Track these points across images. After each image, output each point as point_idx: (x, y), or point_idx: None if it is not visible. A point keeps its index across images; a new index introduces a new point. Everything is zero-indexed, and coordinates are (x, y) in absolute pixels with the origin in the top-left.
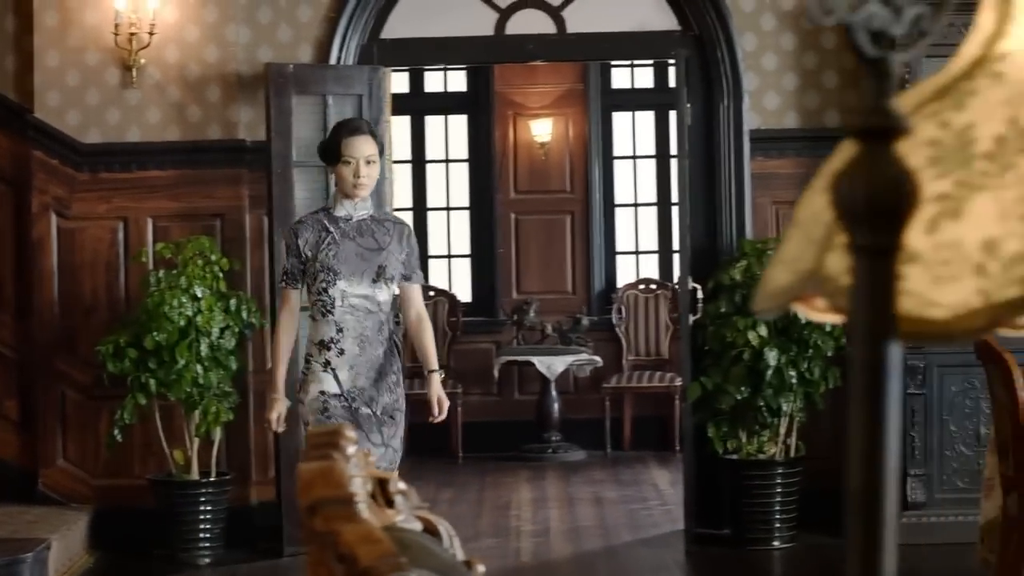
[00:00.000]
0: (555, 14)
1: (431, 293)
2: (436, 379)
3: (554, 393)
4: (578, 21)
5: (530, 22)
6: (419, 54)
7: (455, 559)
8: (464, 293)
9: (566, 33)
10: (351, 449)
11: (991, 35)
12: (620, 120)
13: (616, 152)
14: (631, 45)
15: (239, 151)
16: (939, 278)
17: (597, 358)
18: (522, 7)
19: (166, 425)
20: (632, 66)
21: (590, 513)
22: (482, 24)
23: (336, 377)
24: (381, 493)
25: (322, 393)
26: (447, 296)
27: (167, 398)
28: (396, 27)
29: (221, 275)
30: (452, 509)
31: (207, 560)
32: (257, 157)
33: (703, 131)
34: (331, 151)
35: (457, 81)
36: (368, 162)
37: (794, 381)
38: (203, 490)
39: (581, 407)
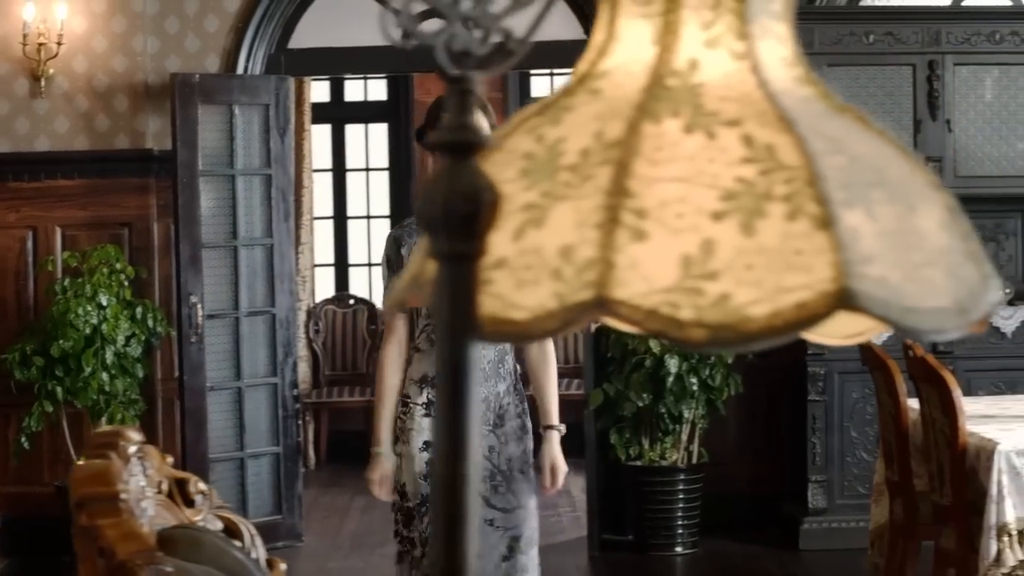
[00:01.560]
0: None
1: (351, 301)
2: (555, 439)
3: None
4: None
5: None
6: (326, 63)
7: (251, 558)
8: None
9: None
10: (132, 449)
11: (597, 53)
12: None
13: None
14: (543, 55)
15: (147, 160)
16: (522, 282)
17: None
18: (432, 16)
19: (74, 433)
20: (551, 75)
21: None
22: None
23: None
24: (180, 493)
25: (427, 445)
26: (366, 304)
27: (74, 406)
28: (303, 37)
29: (127, 283)
30: (363, 516)
31: None
32: (164, 166)
33: None
34: (430, 129)
35: (377, 90)
36: None
37: (696, 388)
38: None
39: None
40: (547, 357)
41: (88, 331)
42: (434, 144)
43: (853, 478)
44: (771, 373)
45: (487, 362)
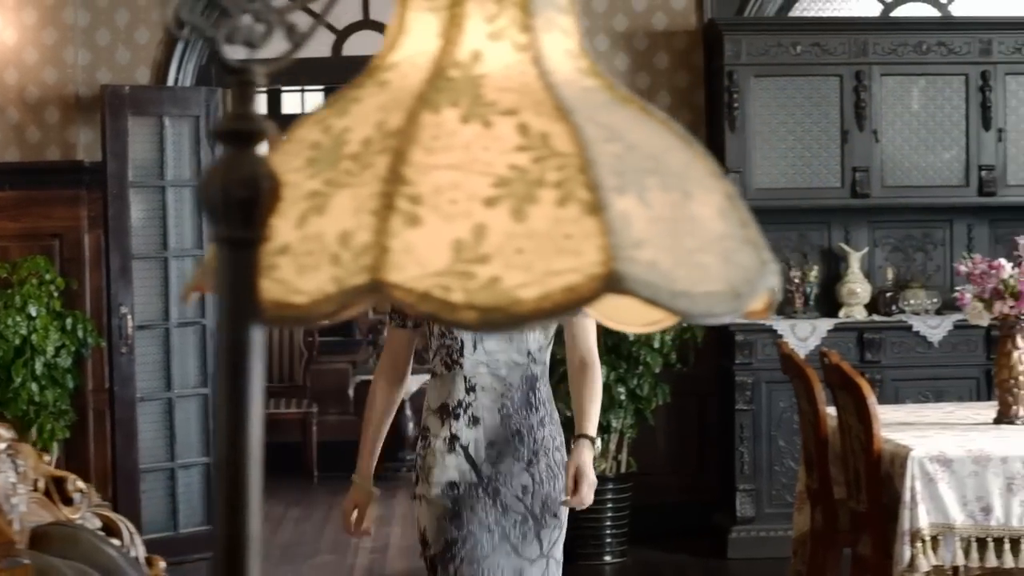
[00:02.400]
0: None
1: None
2: (587, 449)
3: (409, 412)
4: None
5: (367, 43)
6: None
7: (128, 556)
8: None
9: None
10: (1, 446)
11: (388, 46)
12: None
13: None
14: None
15: (77, 172)
16: (303, 267)
17: None
18: (359, 29)
19: None
20: None
21: None
22: (320, 46)
23: (470, 459)
24: (58, 491)
25: (451, 486)
26: None
27: (4, 416)
28: (234, 49)
29: (57, 294)
30: (297, 527)
31: None
32: (95, 178)
33: None
34: None
35: (315, 102)
36: None
37: (624, 398)
38: None
39: None
40: (589, 368)
41: (17, 342)
42: (215, 133)
43: (781, 487)
44: (700, 383)
45: (515, 391)
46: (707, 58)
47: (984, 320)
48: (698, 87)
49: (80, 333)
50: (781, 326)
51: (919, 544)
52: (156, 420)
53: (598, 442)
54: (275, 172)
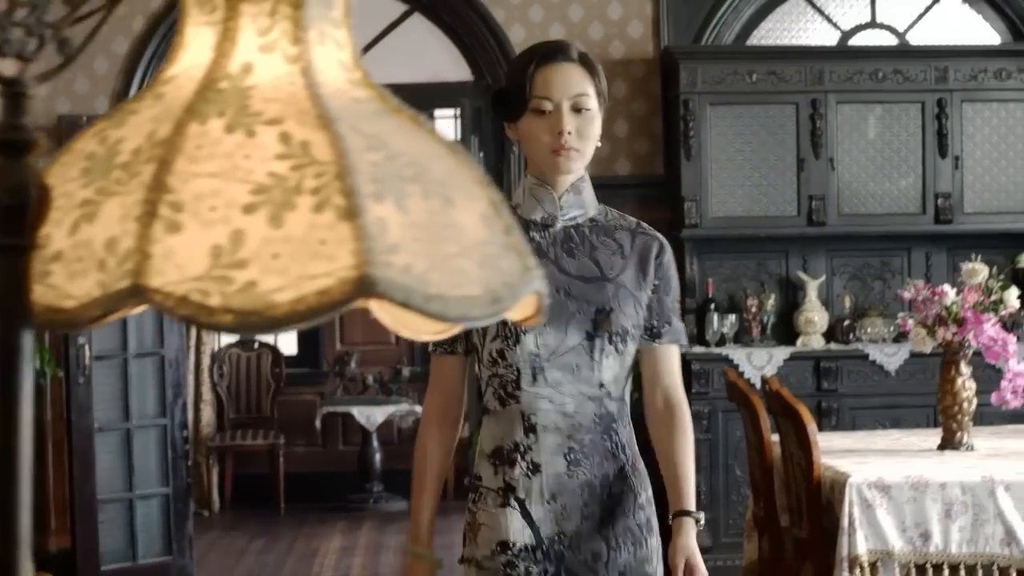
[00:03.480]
0: None
1: (255, 345)
2: (691, 530)
3: (376, 443)
4: (373, 72)
5: None
6: None
7: None
8: (290, 345)
9: None
10: None
11: (168, 60)
12: None
13: None
14: (424, 95)
15: None
16: (74, 273)
17: (418, 408)
18: None
19: None
20: (456, 117)
21: (392, 561)
22: None
23: (527, 515)
24: None
25: (502, 547)
26: (270, 348)
27: None
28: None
29: None
30: (259, 558)
31: None
32: None
33: (495, 178)
34: (512, 92)
35: None
36: (578, 109)
37: None
38: None
39: (404, 457)
40: (677, 410)
41: None
42: None
43: (738, 516)
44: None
45: (585, 432)
46: (664, 86)
47: (927, 347)
48: (656, 115)
49: (37, 363)
50: (737, 355)
51: (858, 570)
52: (114, 450)
53: (702, 517)
54: (44, 181)
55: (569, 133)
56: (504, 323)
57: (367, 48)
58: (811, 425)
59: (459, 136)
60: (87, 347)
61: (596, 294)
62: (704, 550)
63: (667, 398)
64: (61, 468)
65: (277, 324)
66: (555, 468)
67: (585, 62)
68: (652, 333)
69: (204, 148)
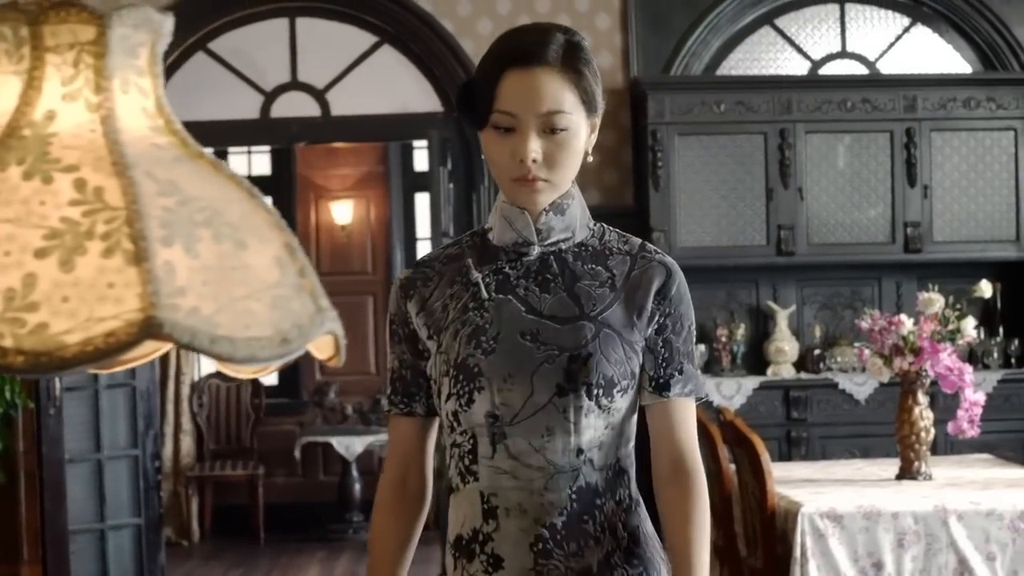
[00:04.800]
0: (319, 97)
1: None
2: None
3: (355, 473)
4: (342, 104)
5: (295, 105)
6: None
7: None
8: (271, 376)
9: (330, 116)
10: None
11: None
12: (422, 201)
13: (419, 234)
14: (394, 127)
15: None
16: None
17: None
18: (287, 90)
19: None
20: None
21: None
22: (248, 107)
23: None
24: None
25: None
26: (249, 379)
27: None
28: None
29: None
30: None
31: None
32: None
33: (465, 211)
34: (477, 93)
35: (261, 163)
36: (551, 129)
37: None
38: None
39: None
40: (687, 479)
41: None
42: None
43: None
44: (637, 442)
45: (558, 513)
46: (633, 117)
47: (884, 376)
48: (625, 146)
49: (7, 394)
50: (707, 385)
51: None
52: (86, 481)
53: None
54: None
55: (534, 161)
56: (457, 379)
57: (336, 80)
58: (764, 455)
59: (428, 167)
60: (57, 379)
61: (571, 337)
62: None
63: (675, 462)
64: (33, 499)
65: (67, 365)
66: (520, 562)
67: (569, 63)
68: (658, 384)
69: (2, 194)
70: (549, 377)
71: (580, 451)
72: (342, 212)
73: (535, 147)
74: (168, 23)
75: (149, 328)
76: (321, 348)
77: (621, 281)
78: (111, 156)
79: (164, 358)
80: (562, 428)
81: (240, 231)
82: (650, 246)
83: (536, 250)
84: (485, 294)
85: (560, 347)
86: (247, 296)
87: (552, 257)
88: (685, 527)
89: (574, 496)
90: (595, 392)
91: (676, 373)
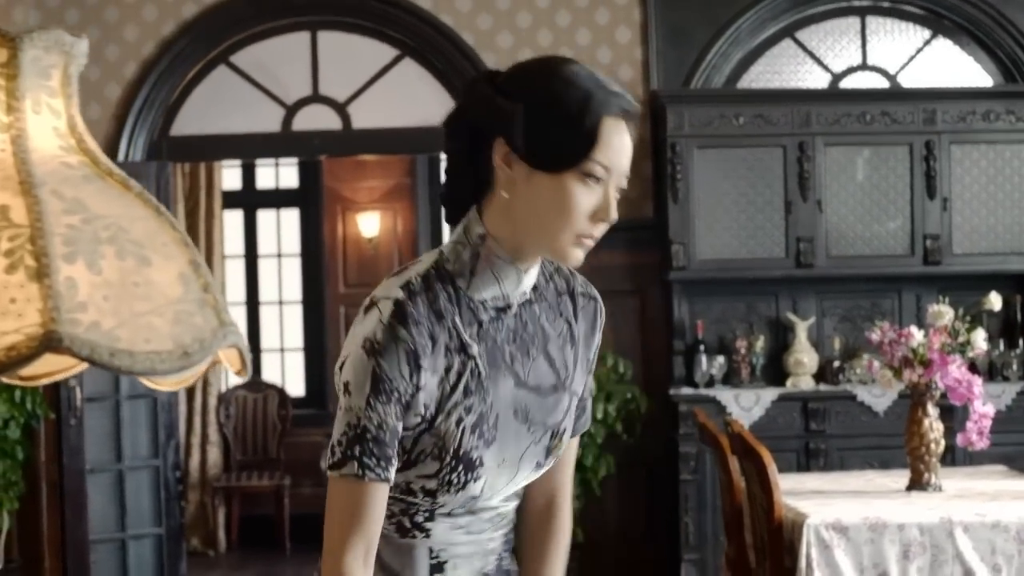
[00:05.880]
0: (341, 110)
1: (262, 387)
2: None
3: None
4: (363, 117)
5: (316, 118)
6: (207, 150)
7: None
8: (298, 386)
9: (351, 129)
10: None
11: None
12: None
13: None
14: (415, 140)
15: None
16: None
17: None
18: (308, 103)
19: None
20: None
21: None
22: (269, 120)
23: None
24: None
25: None
26: (276, 390)
27: None
28: (185, 125)
29: None
30: None
31: None
32: None
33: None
34: (564, 134)
35: (289, 176)
36: (621, 191)
37: None
38: None
39: None
40: (557, 517)
41: None
42: None
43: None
44: (646, 453)
45: (493, 559)
46: (653, 129)
47: (894, 389)
48: (645, 159)
49: (29, 405)
50: (725, 396)
51: None
52: (107, 491)
53: None
54: None
55: (613, 210)
56: (454, 468)
57: (358, 93)
58: (771, 467)
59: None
60: (78, 389)
61: (552, 412)
62: None
63: (552, 499)
64: (54, 508)
65: None
66: None
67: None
68: (575, 428)
69: None
70: (533, 458)
71: (517, 499)
72: (369, 224)
73: (614, 197)
74: (81, 45)
75: (49, 342)
76: (229, 361)
77: (577, 331)
78: (19, 175)
79: None
80: (527, 464)
81: (145, 248)
82: (579, 277)
83: (515, 306)
84: (483, 370)
85: (544, 425)
86: (149, 311)
87: (523, 310)
88: (556, 563)
89: (505, 539)
90: (554, 457)
91: (583, 412)
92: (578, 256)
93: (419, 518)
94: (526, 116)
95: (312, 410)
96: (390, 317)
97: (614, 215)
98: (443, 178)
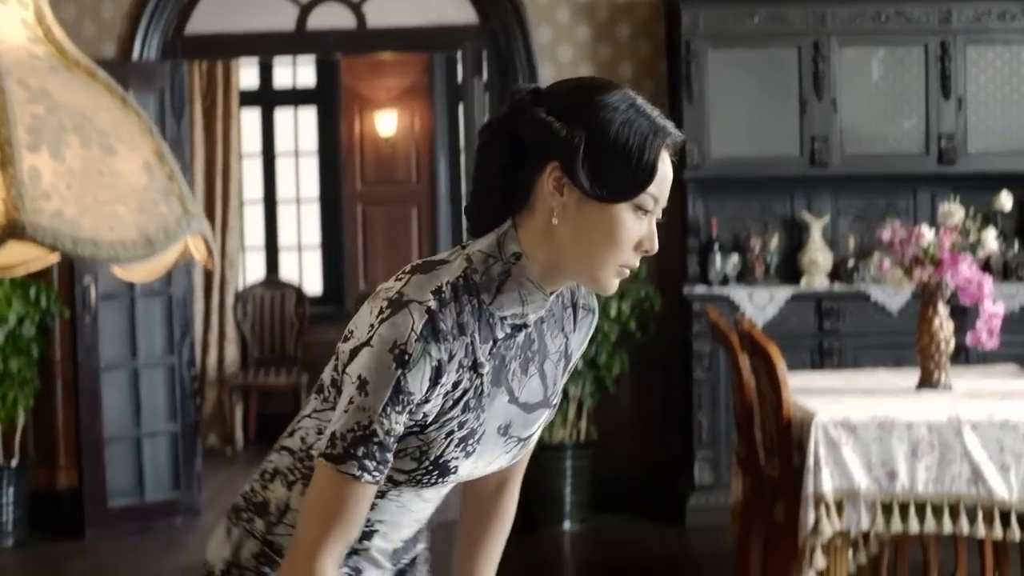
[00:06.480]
0: (355, 8)
1: (279, 284)
2: None
3: None
4: (378, 15)
5: (331, 16)
6: (221, 49)
7: None
8: (315, 284)
9: (365, 27)
10: None
11: None
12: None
13: (463, 144)
14: (429, 38)
15: None
16: None
17: None
18: (323, 2)
19: None
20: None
21: None
22: (284, 19)
23: None
24: None
25: None
26: (293, 288)
27: None
28: (199, 23)
29: None
30: None
31: (10, 542)
32: None
33: None
34: (638, 172)
35: (306, 75)
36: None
37: (582, 366)
38: (4, 473)
39: None
40: (505, 510)
41: None
42: None
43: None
44: (660, 352)
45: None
46: (668, 29)
47: (905, 288)
48: (660, 58)
49: (44, 302)
50: (739, 295)
51: (823, 508)
52: (122, 389)
53: None
54: None
55: (655, 242)
56: (429, 472)
57: None
58: (780, 364)
59: (461, 78)
60: (93, 287)
61: (532, 426)
62: (706, 487)
63: (504, 481)
64: (69, 406)
65: None
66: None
67: None
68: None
69: None
70: (499, 464)
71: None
72: (386, 123)
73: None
74: None
75: (12, 230)
76: (196, 249)
77: (571, 345)
78: None
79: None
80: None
81: (110, 137)
82: (583, 288)
83: (531, 327)
84: (487, 389)
85: (519, 438)
86: (113, 200)
87: (534, 327)
88: (497, 542)
89: (434, 509)
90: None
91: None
92: (615, 285)
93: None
94: (586, 146)
95: (329, 308)
96: (423, 329)
97: (656, 246)
98: (471, 189)
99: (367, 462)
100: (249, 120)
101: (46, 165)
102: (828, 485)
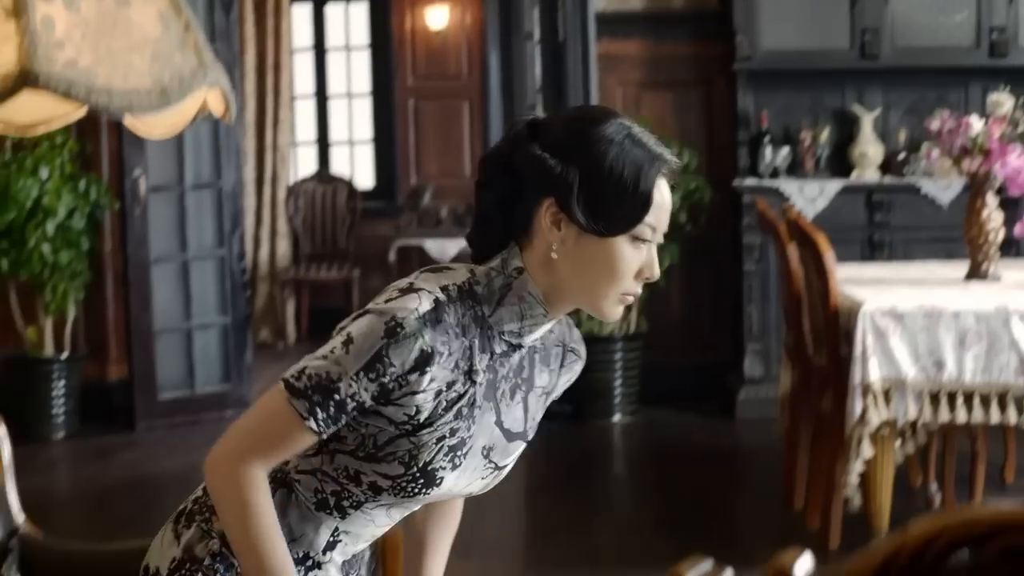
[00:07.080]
0: None
1: (331, 179)
2: None
3: None
4: None
5: None
6: None
7: None
8: (367, 179)
9: None
10: None
11: None
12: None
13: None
14: None
15: None
16: None
17: None
18: None
19: (24, 303)
20: None
21: None
22: None
23: None
24: None
25: None
26: (345, 182)
27: (20, 277)
28: None
29: (70, 157)
30: None
31: (61, 434)
32: None
33: (549, 14)
34: (633, 204)
35: (358, 15)
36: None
37: None
38: (55, 366)
39: None
40: (457, 511)
41: (29, 204)
42: None
43: None
44: (712, 245)
45: (370, 552)
46: None
47: (952, 178)
48: None
49: (93, 195)
50: (789, 187)
51: (870, 398)
52: (172, 282)
53: None
54: None
55: (656, 270)
56: (415, 478)
57: None
58: (828, 253)
59: None
60: (143, 179)
61: (508, 456)
62: (755, 380)
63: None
64: (119, 299)
65: None
66: None
67: None
68: None
69: None
70: (471, 489)
71: None
72: (438, 17)
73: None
74: None
75: (25, 79)
76: (213, 103)
77: (554, 384)
78: None
79: (260, 161)
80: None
81: None
82: (576, 332)
83: (525, 349)
84: (479, 400)
85: (496, 466)
86: (127, 49)
87: (527, 354)
88: (445, 543)
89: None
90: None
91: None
92: (619, 313)
93: (345, 503)
94: (580, 182)
95: (381, 202)
96: (426, 314)
97: (657, 273)
98: (472, 222)
99: (318, 410)
100: (300, 15)
101: (60, 14)
102: (875, 374)
